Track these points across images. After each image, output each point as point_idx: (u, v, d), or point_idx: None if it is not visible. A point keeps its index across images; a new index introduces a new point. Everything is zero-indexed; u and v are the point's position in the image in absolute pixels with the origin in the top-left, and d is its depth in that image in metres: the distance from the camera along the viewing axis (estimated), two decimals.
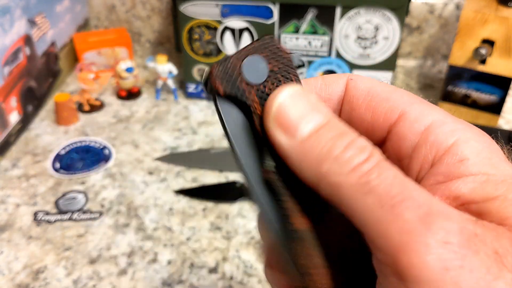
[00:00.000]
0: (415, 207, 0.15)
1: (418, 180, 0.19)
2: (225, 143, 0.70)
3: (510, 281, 0.15)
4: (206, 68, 0.19)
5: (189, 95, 0.81)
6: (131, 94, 0.82)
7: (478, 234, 0.15)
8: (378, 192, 0.16)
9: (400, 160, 0.19)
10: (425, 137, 0.19)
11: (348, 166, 0.16)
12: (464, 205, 0.17)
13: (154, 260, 0.52)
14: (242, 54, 0.19)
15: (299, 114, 0.18)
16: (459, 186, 0.17)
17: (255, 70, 0.19)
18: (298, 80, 0.20)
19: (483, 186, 0.17)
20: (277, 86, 0.19)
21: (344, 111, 0.21)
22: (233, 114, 0.19)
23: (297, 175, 0.18)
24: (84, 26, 0.96)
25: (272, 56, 0.19)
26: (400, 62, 0.92)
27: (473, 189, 0.17)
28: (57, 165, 0.66)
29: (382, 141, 0.20)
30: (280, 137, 0.18)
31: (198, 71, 0.78)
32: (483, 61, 0.68)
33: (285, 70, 0.20)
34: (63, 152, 0.69)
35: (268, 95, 0.19)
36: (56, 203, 0.60)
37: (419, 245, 0.15)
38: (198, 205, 0.59)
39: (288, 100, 0.18)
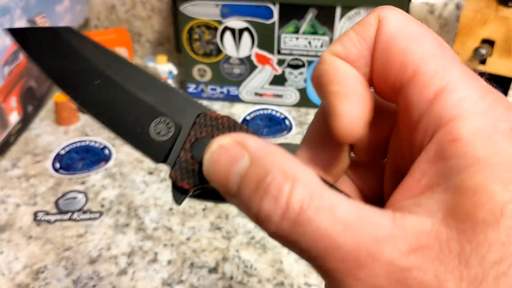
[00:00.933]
0: (340, 258, 0.15)
1: (419, 152, 0.17)
2: None
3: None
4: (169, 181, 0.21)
5: (189, 95, 0.81)
6: None
7: (406, 274, 0.15)
8: (304, 242, 0.16)
9: (409, 129, 0.18)
10: (431, 106, 0.16)
11: (270, 222, 0.16)
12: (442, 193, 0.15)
13: (154, 260, 0.52)
14: (187, 145, 0.21)
15: (223, 171, 0.18)
16: (442, 173, 0.15)
17: (203, 148, 0.20)
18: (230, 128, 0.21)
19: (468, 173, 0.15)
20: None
21: (376, 56, 0.19)
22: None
23: None
24: (84, 26, 0.96)
25: (211, 128, 0.21)
26: None
27: (455, 176, 0.15)
28: (57, 165, 0.66)
29: (397, 99, 0.18)
30: (222, 191, 0.18)
31: (198, 71, 0.78)
32: (483, 61, 0.68)
33: (213, 131, 0.21)
34: (63, 152, 0.69)
35: None
36: (56, 203, 0.60)
37: None
38: (198, 205, 0.59)
39: (212, 160, 0.18)
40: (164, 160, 0.22)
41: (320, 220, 0.15)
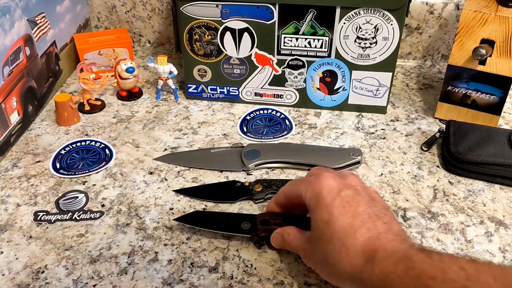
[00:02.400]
0: None
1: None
2: (225, 143, 0.70)
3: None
4: None
5: (190, 95, 0.81)
6: (131, 94, 0.82)
7: None
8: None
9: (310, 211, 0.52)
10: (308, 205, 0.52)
11: (281, 244, 0.52)
12: None
13: (154, 260, 0.52)
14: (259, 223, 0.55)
15: (277, 241, 0.52)
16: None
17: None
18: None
19: None
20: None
21: (289, 204, 0.56)
22: None
23: None
24: (84, 26, 0.96)
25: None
26: (399, 62, 0.93)
27: None
28: (58, 165, 0.66)
29: None
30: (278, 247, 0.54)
31: (199, 71, 0.78)
32: (483, 61, 0.68)
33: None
34: (63, 152, 0.69)
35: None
36: (57, 203, 0.60)
37: None
38: (198, 204, 0.59)
39: (272, 239, 0.52)
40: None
41: (292, 242, 0.50)
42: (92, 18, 0.99)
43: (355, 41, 0.71)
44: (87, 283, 0.49)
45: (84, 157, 0.68)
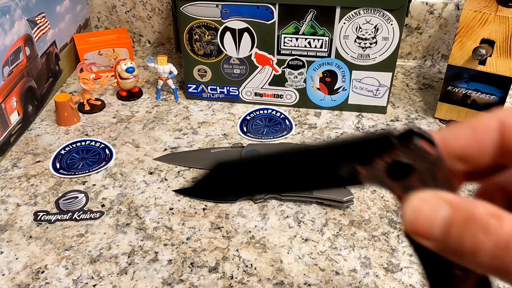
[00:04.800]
0: None
1: None
2: (225, 143, 0.70)
3: None
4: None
5: (190, 95, 0.81)
6: (131, 94, 0.82)
7: None
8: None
9: None
10: None
11: (482, 255, 0.18)
12: None
13: (154, 260, 0.52)
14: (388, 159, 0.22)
15: (427, 218, 0.20)
16: None
17: (398, 169, 0.22)
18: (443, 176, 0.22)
19: None
20: (422, 183, 0.22)
21: (508, 159, 0.21)
22: None
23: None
24: (84, 26, 0.96)
25: (415, 157, 0.22)
26: (399, 62, 0.93)
27: None
28: (58, 165, 0.66)
29: None
30: (424, 242, 0.20)
31: (199, 71, 0.78)
32: (482, 61, 0.68)
33: (430, 168, 0.22)
34: (63, 152, 0.69)
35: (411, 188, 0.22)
36: (57, 203, 0.60)
37: None
38: (198, 204, 0.59)
39: (414, 211, 0.20)
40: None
41: None
42: (92, 18, 0.99)
43: (355, 41, 0.71)
44: (87, 283, 0.49)
45: (84, 157, 0.68)
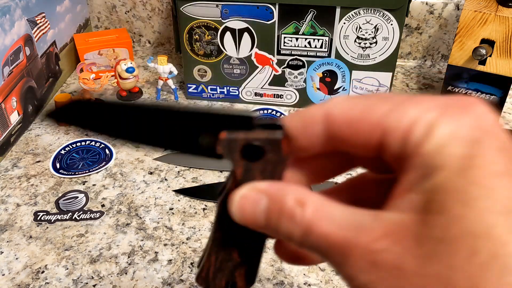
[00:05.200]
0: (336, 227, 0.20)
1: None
2: None
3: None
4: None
5: (190, 95, 0.81)
6: (131, 94, 0.82)
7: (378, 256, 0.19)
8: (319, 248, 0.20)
9: (397, 165, 0.20)
10: (404, 140, 0.19)
11: (297, 237, 0.21)
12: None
13: (154, 260, 0.52)
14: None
15: (251, 213, 0.22)
16: (414, 182, 0.19)
17: (251, 151, 0.23)
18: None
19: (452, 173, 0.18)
20: (261, 173, 0.24)
21: (334, 142, 0.22)
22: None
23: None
24: (84, 26, 0.96)
25: (270, 146, 0.23)
26: (399, 62, 0.93)
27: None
28: (58, 165, 0.66)
29: (378, 155, 0.21)
30: (256, 228, 0.23)
31: (199, 71, 0.78)
32: (483, 61, 0.68)
33: (275, 163, 0.24)
34: (63, 152, 0.69)
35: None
36: (57, 203, 0.60)
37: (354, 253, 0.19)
38: (198, 204, 0.59)
39: (238, 211, 0.23)
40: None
41: (322, 226, 0.20)
42: (92, 18, 0.99)
43: (355, 41, 0.71)
44: (87, 283, 0.49)
45: (84, 157, 0.68)
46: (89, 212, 0.58)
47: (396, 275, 0.18)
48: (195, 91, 0.80)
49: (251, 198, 0.22)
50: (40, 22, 0.78)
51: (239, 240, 0.26)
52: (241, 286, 0.27)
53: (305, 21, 0.70)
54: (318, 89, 0.77)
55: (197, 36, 0.74)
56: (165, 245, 0.54)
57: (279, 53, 0.74)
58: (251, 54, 0.75)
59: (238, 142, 0.23)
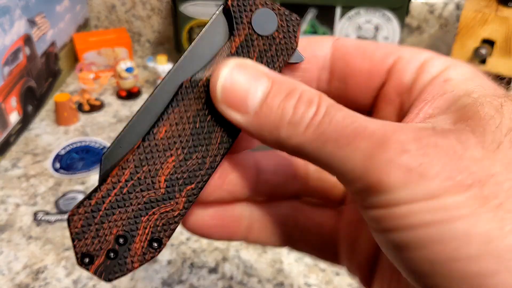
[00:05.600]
0: (368, 135, 0.16)
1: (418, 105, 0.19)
2: None
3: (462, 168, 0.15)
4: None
5: None
6: (131, 94, 0.82)
7: (434, 137, 0.16)
8: (333, 138, 0.17)
9: (401, 94, 0.20)
10: (420, 70, 0.20)
11: (302, 125, 0.17)
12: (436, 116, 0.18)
13: (154, 260, 0.52)
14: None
15: (244, 88, 0.18)
16: (437, 102, 0.18)
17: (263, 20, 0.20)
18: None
19: (459, 99, 0.18)
20: (259, 54, 0.20)
21: (337, 68, 0.22)
22: (220, 29, 0.20)
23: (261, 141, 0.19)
24: (84, 26, 0.96)
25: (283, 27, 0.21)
26: None
27: (449, 101, 0.18)
28: (57, 165, 0.66)
29: (382, 85, 0.21)
30: (234, 116, 0.18)
31: None
32: (483, 61, 0.68)
33: (280, 46, 0.20)
34: (63, 152, 0.69)
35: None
36: (56, 203, 0.60)
37: (380, 162, 0.16)
38: None
39: (229, 78, 0.18)
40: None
41: (343, 117, 0.17)
42: (92, 18, 0.99)
43: None
44: (86, 283, 0.49)
45: (84, 157, 0.67)
46: None
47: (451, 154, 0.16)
48: None
49: (252, 72, 0.18)
50: (40, 22, 0.78)
51: (196, 141, 0.19)
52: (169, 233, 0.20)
53: (305, 21, 0.70)
54: None
55: (196, 35, 0.74)
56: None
57: None
58: None
59: (255, 2, 0.20)
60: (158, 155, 0.19)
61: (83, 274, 0.50)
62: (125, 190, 0.19)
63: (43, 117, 0.77)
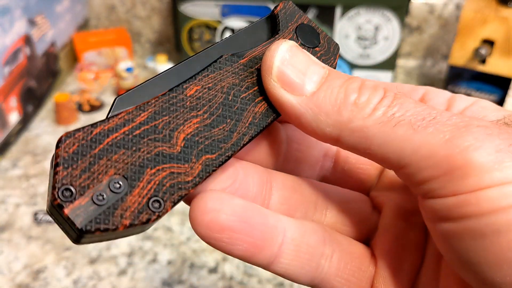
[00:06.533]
0: (446, 120, 0.15)
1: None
2: None
3: None
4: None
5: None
6: None
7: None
8: (407, 120, 0.16)
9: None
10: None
11: (369, 107, 0.16)
12: None
13: (154, 260, 0.52)
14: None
15: (301, 69, 0.17)
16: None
17: (306, 33, 0.21)
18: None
19: None
20: None
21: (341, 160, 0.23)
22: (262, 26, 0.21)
23: (308, 133, 0.18)
24: (84, 26, 0.96)
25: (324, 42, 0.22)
26: (400, 62, 0.92)
27: None
28: None
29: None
30: (287, 97, 0.17)
31: None
32: (483, 61, 0.68)
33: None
34: None
35: None
36: None
37: (466, 144, 0.15)
38: None
39: (288, 52, 0.17)
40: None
41: (415, 103, 0.16)
42: (92, 17, 0.99)
43: (355, 40, 0.71)
44: (86, 283, 0.49)
45: None
46: None
47: None
48: None
49: (307, 54, 0.18)
50: (40, 22, 0.78)
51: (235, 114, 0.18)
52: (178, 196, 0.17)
53: None
54: None
55: (196, 35, 0.74)
56: (164, 245, 0.54)
57: None
58: None
59: (302, 16, 0.21)
60: (183, 111, 0.17)
61: (83, 274, 0.50)
62: (136, 132, 0.16)
63: (43, 117, 0.77)
